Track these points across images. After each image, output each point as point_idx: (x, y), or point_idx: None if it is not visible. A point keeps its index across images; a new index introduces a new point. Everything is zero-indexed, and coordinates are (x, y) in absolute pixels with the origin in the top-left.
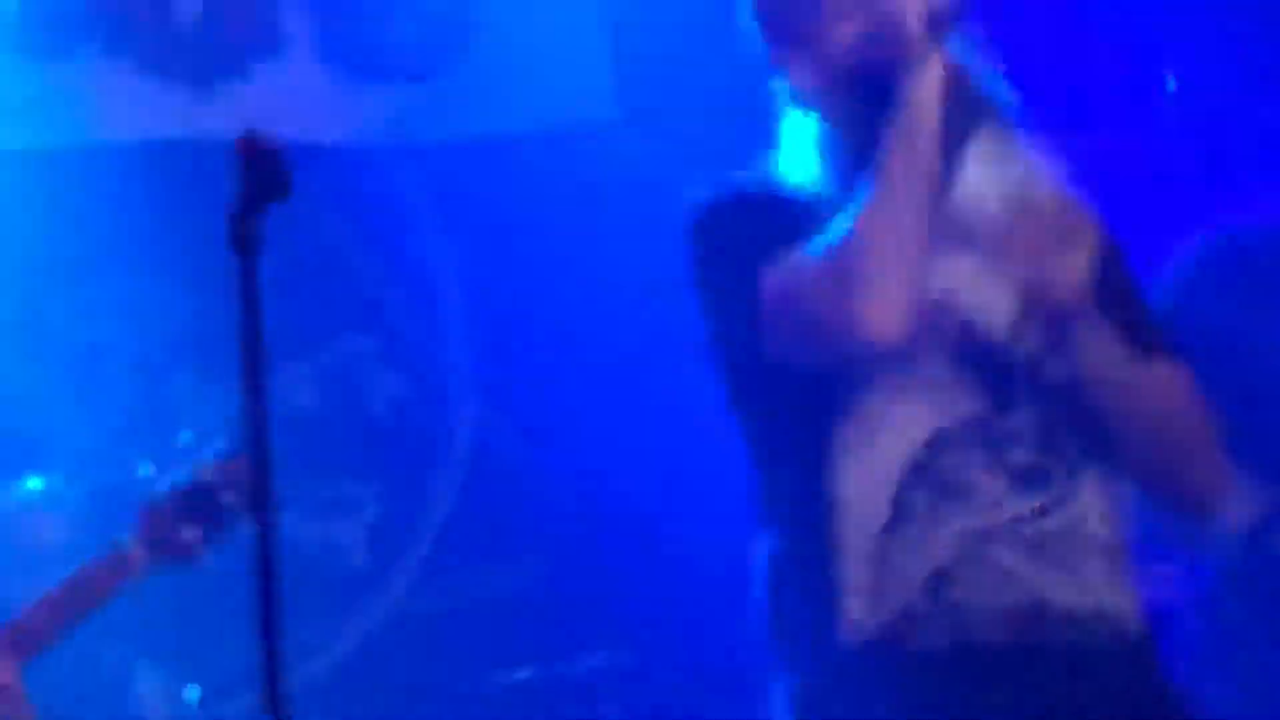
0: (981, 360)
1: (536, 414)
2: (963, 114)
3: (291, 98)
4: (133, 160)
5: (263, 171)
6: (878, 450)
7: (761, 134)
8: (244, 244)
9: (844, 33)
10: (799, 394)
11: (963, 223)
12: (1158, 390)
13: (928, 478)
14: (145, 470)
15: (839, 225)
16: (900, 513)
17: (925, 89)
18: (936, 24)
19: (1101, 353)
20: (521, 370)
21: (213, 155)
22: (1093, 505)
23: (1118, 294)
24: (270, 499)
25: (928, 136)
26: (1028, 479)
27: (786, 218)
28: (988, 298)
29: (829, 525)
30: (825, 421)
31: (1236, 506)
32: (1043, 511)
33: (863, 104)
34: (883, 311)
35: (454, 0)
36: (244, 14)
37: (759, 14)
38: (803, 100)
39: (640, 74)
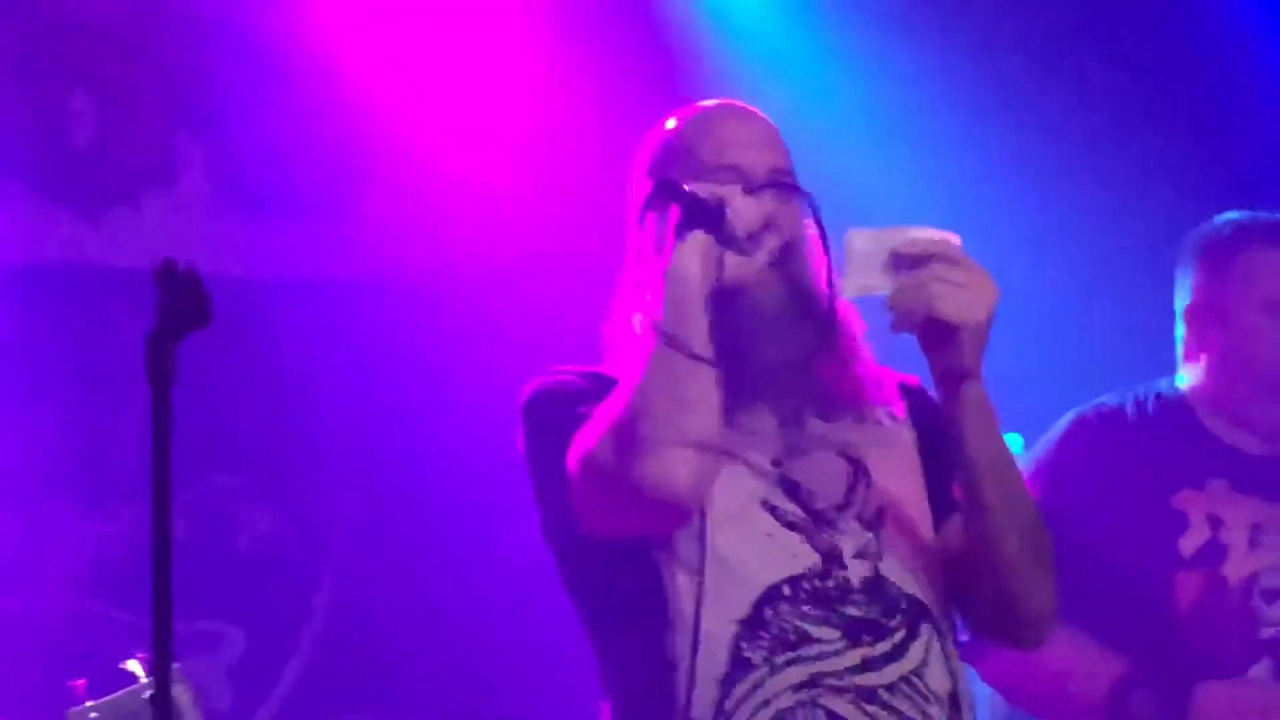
0: (815, 517)
1: (407, 555)
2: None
3: (182, 228)
4: (14, 283)
5: (181, 299)
6: (714, 608)
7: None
8: (159, 371)
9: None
10: (623, 562)
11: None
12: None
13: (764, 630)
14: None
15: (618, 393)
16: (737, 665)
17: (685, 262)
18: (691, 211)
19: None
20: (393, 508)
21: (101, 282)
22: (930, 656)
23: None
24: (169, 638)
25: (692, 305)
26: (862, 630)
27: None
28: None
29: (667, 684)
30: (657, 584)
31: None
32: (878, 662)
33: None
34: (667, 471)
35: (356, 139)
36: (138, 142)
37: (649, 171)
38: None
39: (536, 217)
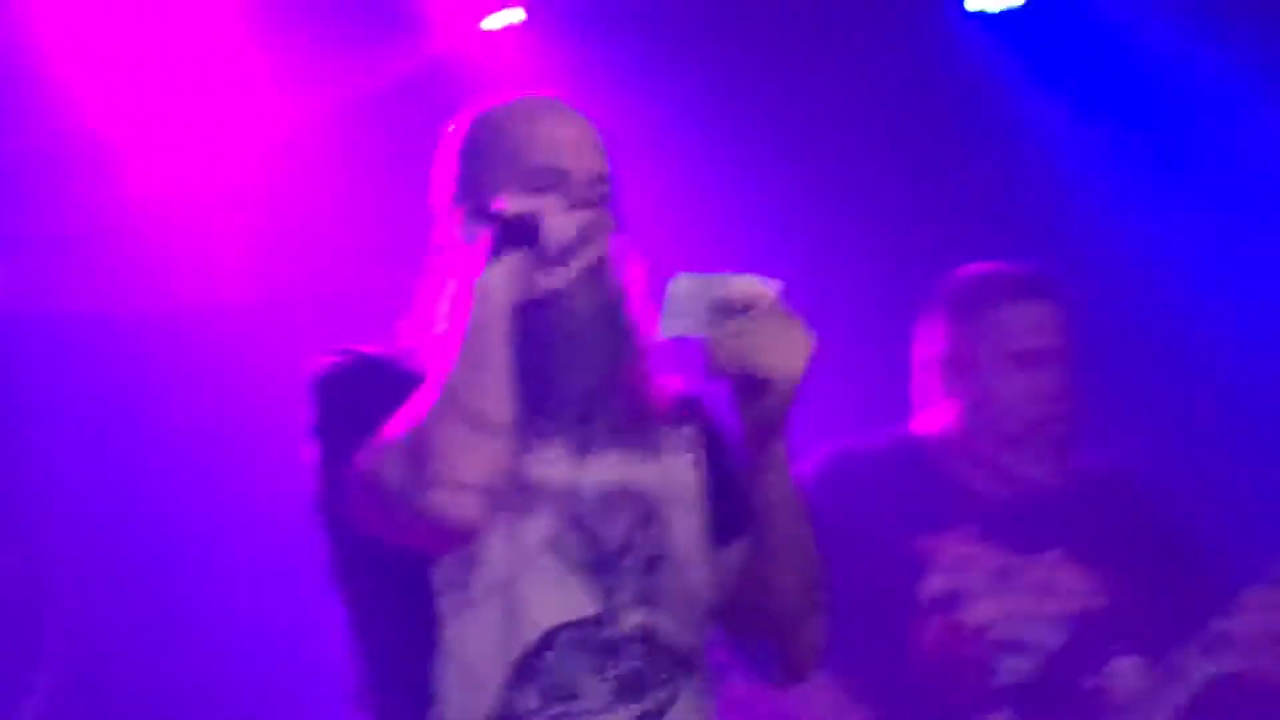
0: (598, 560)
1: (144, 596)
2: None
3: None
4: None
5: None
6: (487, 646)
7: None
8: None
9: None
10: (400, 571)
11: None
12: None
13: (537, 679)
14: None
15: (416, 402)
16: (506, 713)
17: (495, 282)
18: (506, 231)
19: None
20: (123, 548)
21: None
22: (692, 712)
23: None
24: None
25: (496, 328)
26: (630, 686)
27: (404, 388)
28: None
29: (425, 717)
30: (427, 604)
31: None
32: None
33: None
34: (455, 497)
35: (101, 173)
36: None
37: (461, 163)
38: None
39: (275, 258)
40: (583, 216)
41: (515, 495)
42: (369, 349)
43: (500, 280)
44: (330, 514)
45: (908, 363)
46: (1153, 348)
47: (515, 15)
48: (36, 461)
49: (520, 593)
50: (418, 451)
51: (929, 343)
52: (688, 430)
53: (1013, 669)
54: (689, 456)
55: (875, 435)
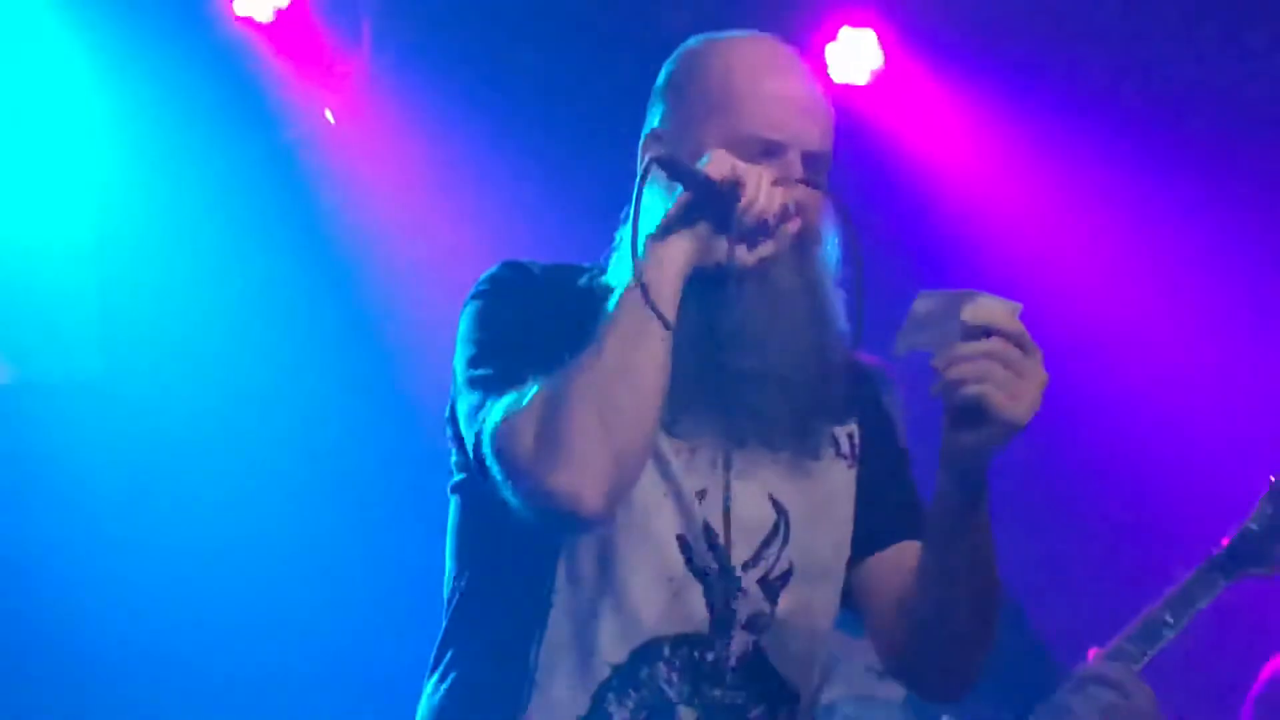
0: (722, 570)
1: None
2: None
3: None
4: None
5: None
6: (592, 639)
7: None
8: None
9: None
10: (522, 539)
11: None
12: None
13: (629, 686)
14: None
15: (555, 379)
16: (596, 713)
17: (669, 252)
18: (707, 197)
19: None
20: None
21: None
22: None
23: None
24: None
25: (665, 293)
26: (722, 713)
27: (566, 306)
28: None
29: (515, 696)
30: (542, 582)
31: None
32: None
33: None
34: (582, 485)
35: None
36: None
37: (679, 86)
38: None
39: (125, 331)
40: (790, 193)
41: (652, 488)
42: (538, 269)
43: (679, 250)
44: (461, 449)
45: None
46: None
47: None
48: None
49: (636, 592)
50: (550, 429)
51: None
52: (851, 427)
53: None
54: (844, 463)
55: None
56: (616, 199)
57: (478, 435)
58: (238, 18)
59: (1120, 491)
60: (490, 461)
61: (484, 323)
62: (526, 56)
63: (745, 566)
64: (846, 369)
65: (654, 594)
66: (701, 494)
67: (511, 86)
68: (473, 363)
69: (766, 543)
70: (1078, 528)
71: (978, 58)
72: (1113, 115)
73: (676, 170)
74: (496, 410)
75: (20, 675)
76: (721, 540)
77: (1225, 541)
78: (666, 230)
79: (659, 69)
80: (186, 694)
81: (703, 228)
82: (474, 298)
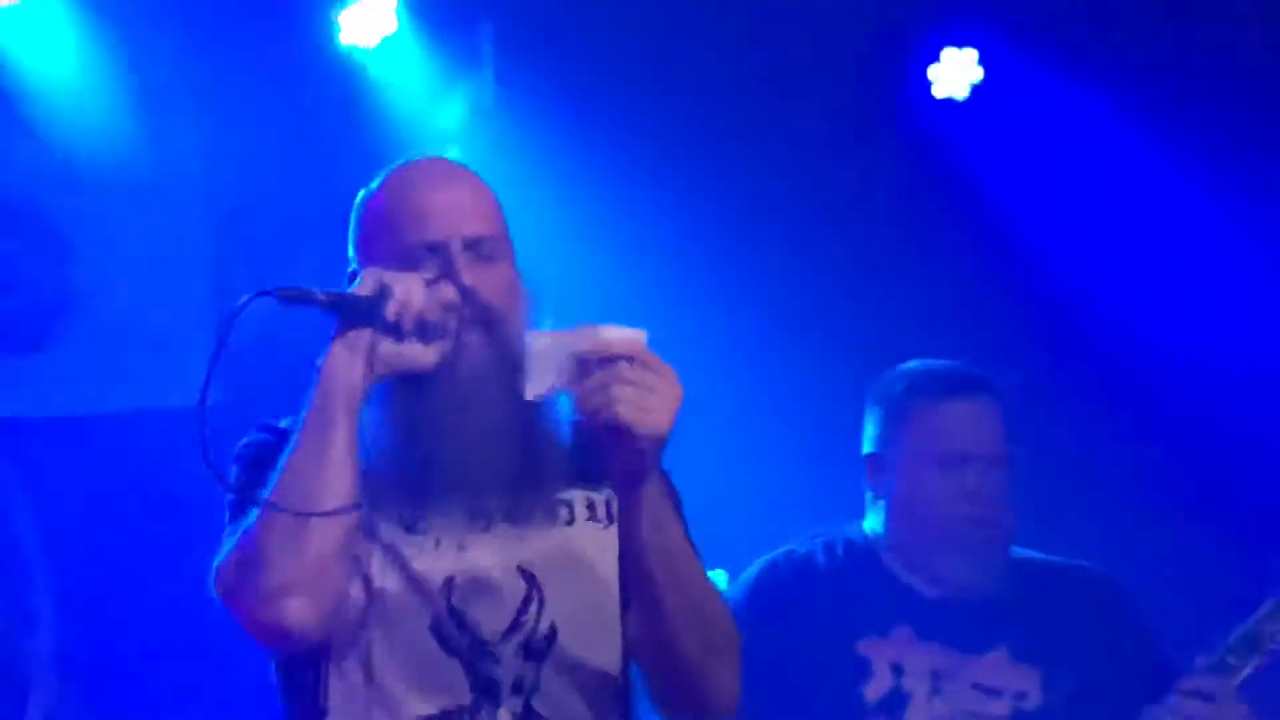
0: (472, 646)
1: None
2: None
3: None
4: None
5: None
6: None
7: None
8: None
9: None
10: (290, 660)
11: None
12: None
13: None
14: None
15: (251, 517)
16: None
17: (331, 366)
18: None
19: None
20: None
21: None
22: None
23: None
24: None
25: (332, 407)
26: None
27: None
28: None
29: None
30: (314, 685)
31: None
32: None
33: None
34: (285, 609)
35: (57, 276)
36: None
37: (355, 243)
38: None
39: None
40: (445, 289)
41: (401, 588)
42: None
43: (340, 361)
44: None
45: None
46: (1110, 434)
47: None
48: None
49: (399, 687)
50: (245, 559)
51: (865, 441)
52: (607, 493)
53: None
54: (598, 525)
55: (814, 537)
56: (761, 205)
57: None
58: (342, 46)
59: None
60: (217, 599)
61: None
62: (658, 72)
63: (504, 637)
64: (584, 434)
65: (415, 681)
66: (449, 581)
67: (642, 103)
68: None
69: (521, 610)
70: (1209, 522)
71: (1079, 70)
72: (1220, 129)
73: (308, 298)
74: (220, 552)
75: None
76: (471, 618)
77: None
78: (330, 355)
79: (791, 82)
80: None
81: (372, 341)
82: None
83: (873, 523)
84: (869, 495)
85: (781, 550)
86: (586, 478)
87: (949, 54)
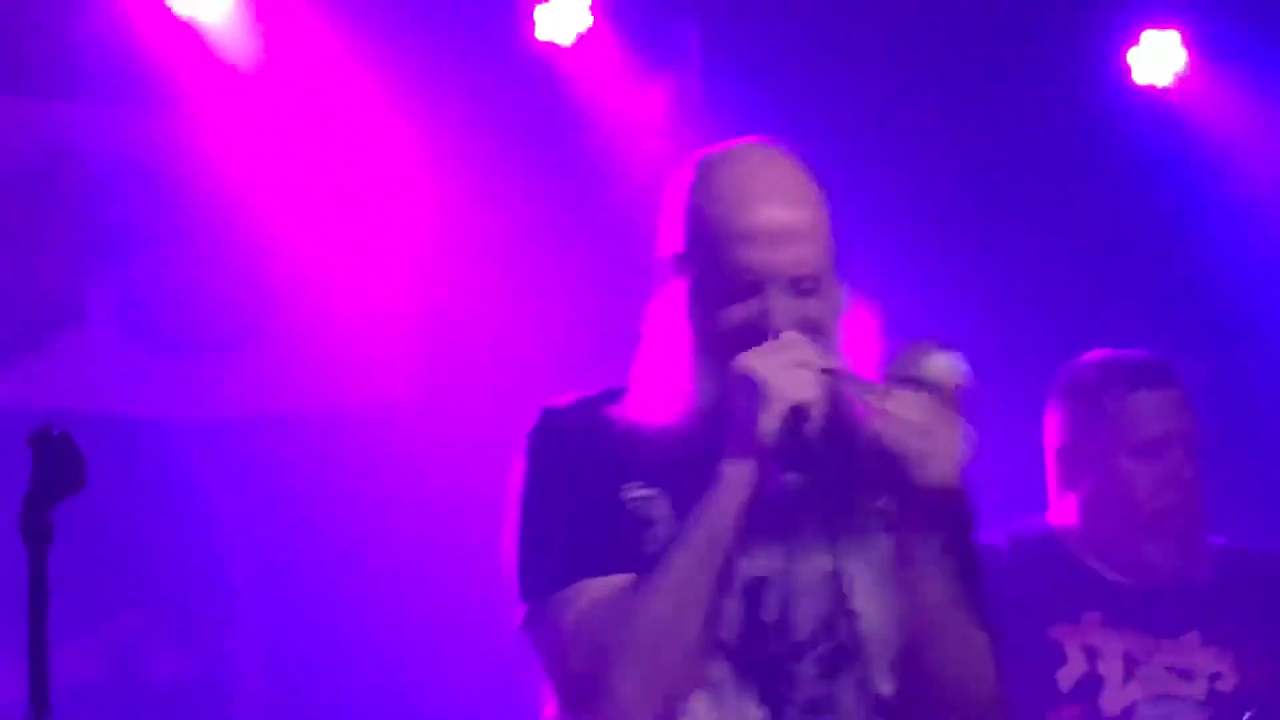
0: (770, 666)
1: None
2: None
3: (90, 368)
4: None
5: (56, 463)
6: None
7: None
8: (35, 534)
9: (724, 329)
10: None
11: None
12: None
13: None
14: None
15: (625, 599)
16: None
17: (734, 489)
18: (780, 447)
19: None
20: (303, 648)
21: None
22: None
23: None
24: None
25: (723, 534)
26: None
27: (622, 455)
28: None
29: None
30: None
31: None
32: None
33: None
34: (629, 708)
35: (255, 276)
36: (43, 285)
37: (683, 219)
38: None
39: (438, 359)
40: (805, 373)
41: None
42: (576, 405)
43: (738, 489)
44: (518, 572)
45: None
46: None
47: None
48: (214, 561)
49: (695, 705)
50: (607, 653)
51: (1050, 434)
52: (885, 500)
53: None
54: (885, 533)
55: (1003, 529)
56: (974, 203)
57: (544, 621)
58: (540, 43)
59: None
60: (560, 668)
61: (535, 491)
62: (871, 66)
63: (804, 648)
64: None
65: (708, 691)
66: (760, 580)
67: (849, 98)
68: (532, 538)
69: (825, 624)
70: None
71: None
72: None
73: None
74: (559, 608)
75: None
76: (771, 634)
77: None
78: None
79: (998, 76)
80: None
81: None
82: (526, 459)
83: (1060, 515)
84: (1054, 486)
85: None
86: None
87: (1150, 36)
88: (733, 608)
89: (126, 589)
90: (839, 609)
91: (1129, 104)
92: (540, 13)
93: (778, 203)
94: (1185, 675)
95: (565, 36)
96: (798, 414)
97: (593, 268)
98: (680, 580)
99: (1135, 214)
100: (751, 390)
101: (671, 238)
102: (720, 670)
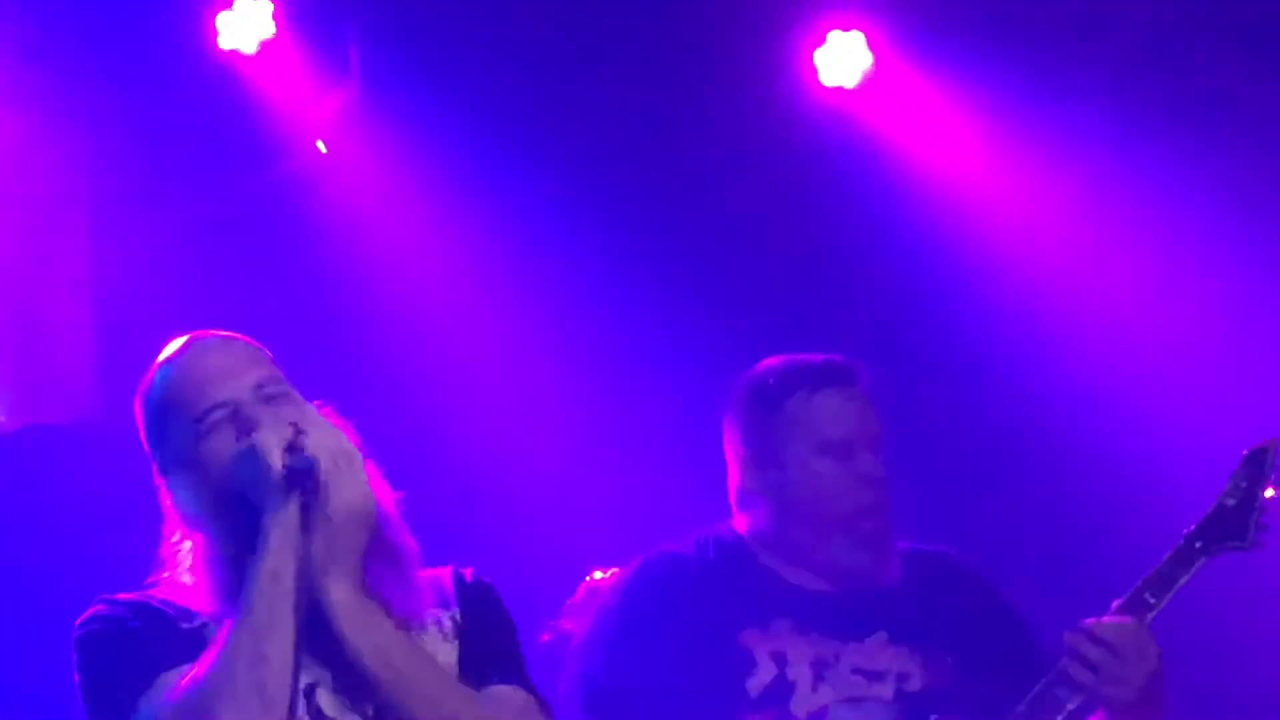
0: None
1: None
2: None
3: None
4: None
5: None
6: None
7: None
8: None
9: (206, 459)
10: None
11: None
12: None
13: None
14: None
15: (198, 667)
16: None
17: (283, 529)
18: (293, 475)
19: None
20: None
21: None
22: None
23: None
24: None
25: (288, 573)
26: None
27: (172, 641)
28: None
29: None
30: None
31: None
32: None
33: (238, 528)
34: None
35: None
36: None
37: (146, 435)
38: (188, 520)
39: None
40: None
41: None
42: (126, 598)
43: (288, 524)
44: None
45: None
46: (972, 432)
47: None
48: None
49: None
50: (201, 704)
51: (731, 442)
52: (453, 613)
53: None
54: (448, 639)
55: (692, 535)
56: (633, 205)
57: None
58: (223, 51)
59: (1102, 484)
60: None
61: (93, 663)
62: (522, 68)
63: None
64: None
65: None
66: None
67: (510, 98)
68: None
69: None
70: (1064, 522)
71: (969, 56)
72: (1107, 112)
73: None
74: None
75: None
76: None
77: (1201, 518)
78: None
79: (663, 78)
80: None
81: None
82: (80, 650)
83: (745, 521)
84: (739, 495)
85: (655, 549)
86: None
87: (836, 38)
88: None
89: None
90: None
91: (818, 105)
92: (222, 21)
93: (210, 353)
94: (874, 677)
95: (249, 45)
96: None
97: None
98: (268, 615)
99: (824, 216)
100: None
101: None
102: None
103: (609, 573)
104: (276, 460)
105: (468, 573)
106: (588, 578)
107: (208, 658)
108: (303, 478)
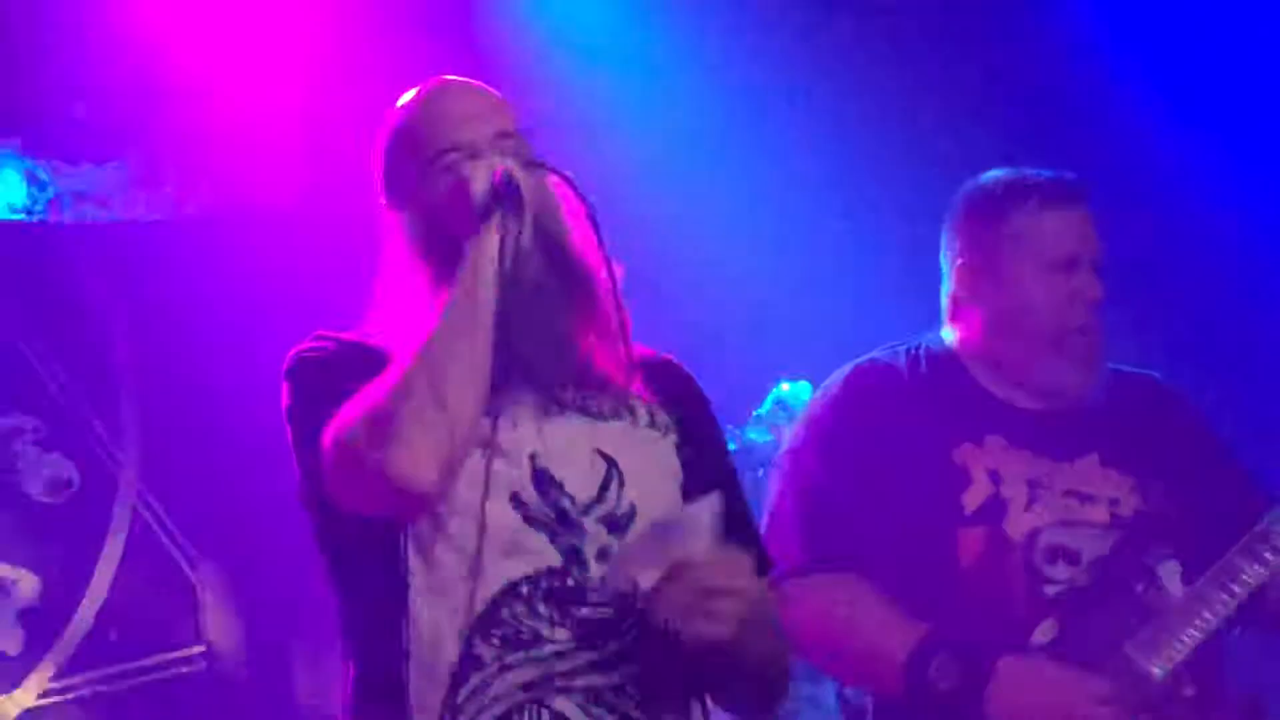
0: (558, 517)
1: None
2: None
3: None
4: None
5: None
6: (448, 599)
7: None
8: None
9: (431, 196)
10: (369, 538)
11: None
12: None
13: (496, 629)
14: None
15: (387, 373)
16: (468, 663)
17: (482, 253)
18: (496, 197)
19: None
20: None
21: None
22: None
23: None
24: None
25: (483, 297)
26: (595, 632)
27: (374, 368)
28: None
29: (399, 673)
30: (398, 568)
31: None
32: (608, 664)
33: (447, 262)
34: (414, 461)
35: (136, 87)
36: None
37: (385, 170)
38: (411, 258)
39: (323, 165)
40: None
41: (481, 459)
42: (339, 336)
43: (488, 248)
44: (308, 497)
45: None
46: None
47: None
48: (98, 363)
49: (483, 557)
50: (382, 415)
51: (950, 252)
52: (661, 414)
53: (1061, 577)
54: (656, 433)
55: (898, 346)
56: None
57: (318, 449)
58: None
59: None
60: (330, 467)
61: (301, 394)
62: None
63: (586, 510)
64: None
65: (498, 549)
66: (532, 456)
67: None
68: (301, 423)
69: (604, 486)
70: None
71: None
72: None
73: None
74: (325, 431)
75: None
76: (559, 490)
77: None
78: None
79: None
80: None
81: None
82: (289, 378)
83: (956, 333)
84: (950, 304)
85: (864, 358)
86: (641, 387)
87: None
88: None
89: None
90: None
91: None
92: None
93: (460, 96)
94: (1086, 499)
95: None
96: (504, 174)
97: None
98: (455, 332)
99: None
100: (457, 172)
101: (380, 181)
102: (512, 525)
103: (798, 383)
104: (481, 184)
105: (679, 365)
106: (777, 387)
107: (389, 375)
108: (504, 202)
